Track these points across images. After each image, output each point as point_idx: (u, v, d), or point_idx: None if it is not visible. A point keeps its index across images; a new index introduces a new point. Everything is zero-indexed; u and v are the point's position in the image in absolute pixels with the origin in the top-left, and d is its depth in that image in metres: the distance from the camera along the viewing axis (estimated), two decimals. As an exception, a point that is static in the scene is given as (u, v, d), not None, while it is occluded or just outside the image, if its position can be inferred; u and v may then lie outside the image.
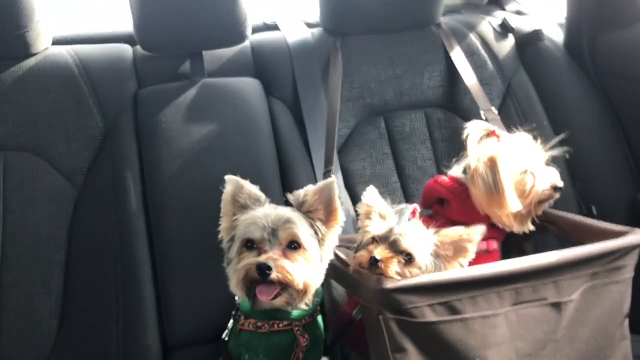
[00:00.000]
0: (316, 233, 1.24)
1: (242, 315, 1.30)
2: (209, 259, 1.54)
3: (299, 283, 1.17)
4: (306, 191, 1.26)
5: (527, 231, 1.46)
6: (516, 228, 1.44)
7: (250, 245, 1.20)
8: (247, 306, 1.27)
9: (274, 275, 1.15)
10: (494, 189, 1.38)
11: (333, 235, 1.27)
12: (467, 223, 1.30)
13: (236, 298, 1.32)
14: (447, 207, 1.47)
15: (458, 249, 1.24)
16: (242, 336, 1.29)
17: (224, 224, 1.27)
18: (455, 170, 1.51)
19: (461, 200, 1.43)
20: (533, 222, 1.47)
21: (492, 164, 1.40)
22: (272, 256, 1.16)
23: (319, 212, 1.25)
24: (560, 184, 1.45)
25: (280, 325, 1.26)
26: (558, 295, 1.20)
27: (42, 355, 1.50)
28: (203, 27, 1.72)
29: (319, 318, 1.34)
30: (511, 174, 1.40)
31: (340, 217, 1.26)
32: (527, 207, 1.43)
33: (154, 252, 1.59)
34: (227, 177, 1.27)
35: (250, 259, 1.17)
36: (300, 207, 1.25)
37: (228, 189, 1.26)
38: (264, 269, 1.14)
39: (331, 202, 1.25)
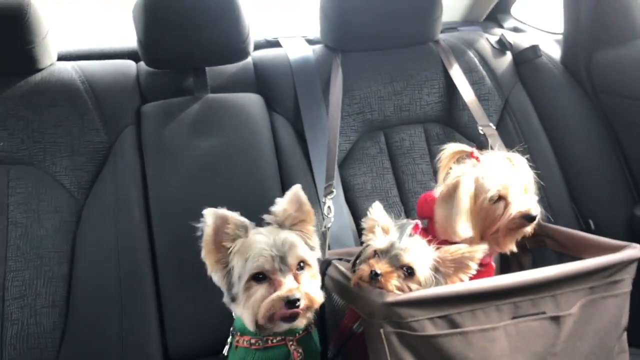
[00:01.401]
0: (306, 244, 1.25)
1: (238, 332, 1.30)
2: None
3: (319, 302, 1.19)
4: (283, 206, 1.26)
5: (514, 250, 1.43)
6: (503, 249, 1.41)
7: (260, 277, 1.17)
8: (241, 324, 1.28)
9: (302, 304, 1.15)
10: (452, 212, 1.36)
11: (316, 238, 1.29)
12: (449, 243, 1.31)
13: (233, 314, 1.33)
14: (431, 224, 1.46)
15: (459, 266, 1.25)
16: (238, 352, 1.29)
17: (210, 260, 1.22)
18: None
19: None
20: (533, 236, 1.46)
21: (454, 188, 1.37)
22: (293, 287, 1.15)
23: (305, 223, 1.27)
24: (535, 213, 1.35)
25: (274, 340, 1.26)
26: (557, 309, 1.21)
27: None
28: (206, 43, 1.75)
29: (314, 332, 1.35)
30: (475, 199, 1.35)
31: (314, 218, 1.28)
32: (494, 234, 1.38)
33: (156, 266, 1.60)
34: (207, 211, 1.20)
35: (272, 294, 1.14)
36: (284, 223, 1.25)
37: (210, 223, 1.20)
38: (293, 302, 1.13)
39: (303, 205, 1.27)
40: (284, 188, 1.71)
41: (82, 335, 1.54)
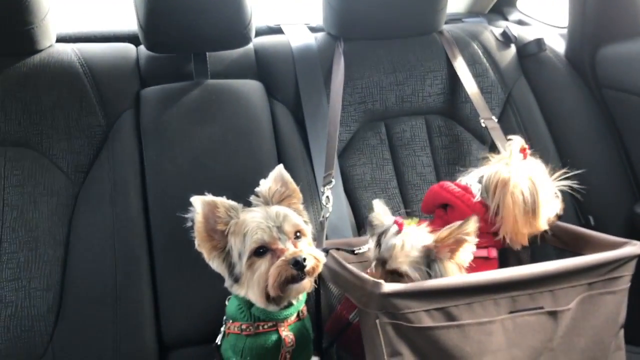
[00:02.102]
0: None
1: (230, 319, 1.30)
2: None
3: (324, 261, 1.23)
4: (269, 185, 1.30)
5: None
6: (519, 245, 1.45)
7: (261, 251, 1.19)
8: (232, 310, 1.28)
9: (309, 265, 1.17)
10: (531, 208, 1.39)
11: (306, 214, 1.32)
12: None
13: (226, 301, 1.34)
14: (450, 212, 1.46)
15: (458, 244, 1.25)
16: (229, 339, 1.29)
17: (206, 247, 1.23)
18: (468, 179, 1.49)
19: (467, 206, 1.44)
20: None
21: (532, 184, 1.41)
22: (297, 250, 1.18)
23: (291, 198, 1.30)
24: (561, 212, 1.49)
25: (265, 327, 1.26)
26: (555, 304, 1.20)
27: (38, 351, 1.50)
28: (208, 28, 1.73)
29: (306, 319, 1.34)
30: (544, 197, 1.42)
31: (300, 196, 1.32)
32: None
33: (153, 252, 1.59)
34: (194, 199, 1.22)
35: (277, 261, 1.17)
36: (272, 200, 1.28)
37: (199, 211, 1.21)
38: (301, 263, 1.16)
39: (288, 184, 1.31)
40: (282, 176, 1.70)
41: (76, 319, 1.53)
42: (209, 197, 1.22)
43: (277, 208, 1.24)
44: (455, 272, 1.25)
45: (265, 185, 1.30)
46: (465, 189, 1.47)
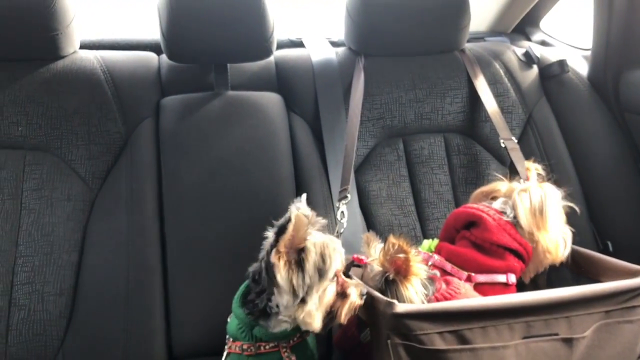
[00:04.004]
0: None
1: (230, 338, 1.28)
2: (220, 270, 1.56)
3: None
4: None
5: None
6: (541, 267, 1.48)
7: (333, 277, 1.19)
8: (233, 329, 1.26)
9: None
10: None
11: None
12: (502, 244, 1.38)
13: (229, 318, 1.32)
14: (476, 230, 1.44)
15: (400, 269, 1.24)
16: (230, 358, 1.27)
17: (283, 261, 1.16)
18: (495, 204, 1.50)
19: (494, 219, 1.43)
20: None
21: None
22: (359, 282, 1.23)
23: None
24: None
25: (267, 347, 1.23)
26: (570, 332, 1.18)
27: (48, 355, 1.50)
28: (230, 40, 1.74)
29: (310, 338, 1.32)
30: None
31: None
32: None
33: (166, 261, 1.59)
34: (292, 209, 1.17)
35: (349, 289, 1.21)
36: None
37: (293, 223, 1.14)
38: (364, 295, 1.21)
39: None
40: (298, 189, 1.70)
41: (87, 324, 1.53)
42: (306, 211, 1.19)
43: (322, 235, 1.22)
44: (413, 296, 1.23)
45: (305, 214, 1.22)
46: (493, 208, 1.47)
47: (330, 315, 1.20)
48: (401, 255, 1.22)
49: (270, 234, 1.19)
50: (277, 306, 1.18)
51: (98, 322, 1.53)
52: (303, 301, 1.16)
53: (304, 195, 1.20)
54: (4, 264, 1.55)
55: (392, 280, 1.23)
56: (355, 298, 1.21)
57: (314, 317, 1.17)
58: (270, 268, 1.16)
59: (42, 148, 1.65)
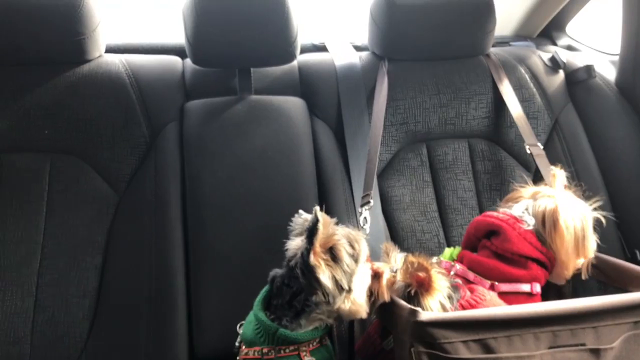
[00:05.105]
0: None
1: (244, 344, 1.28)
2: (243, 274, 1.56)
3: None
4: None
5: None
6: (563, 280, 1.45)
7: None
8: (250, 334, 1.27)
9: None
10: (581, 238, 1.40)
11: None
12: (523, 254, 1.37)
13: (238, 328, 1.32)
14: (496, 240, 1.43)
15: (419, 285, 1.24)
16: None
17: (322, 257, 1.19)
18: (514, 210, 1.47)
19: (517, 233, 1.41)
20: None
21: (581, 214, 1.42)
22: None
23: None
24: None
25: (287, 350, 1.24)
26: (597, 342, 1.16)
27: (72, 356, 1.52)
28: (254, 44, 1.74)
29: (329, 346, 1.32)
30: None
31: None
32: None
33: (189, 264, 1.59)
34: (316, 209, 1.18)
35: (382, 267, 1.29)
36: None
37: (322, 221, 1.18)
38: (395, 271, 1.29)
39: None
40: (320, 194, 1.70)
41: (110, 327, 1.55)
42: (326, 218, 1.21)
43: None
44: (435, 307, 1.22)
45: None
46: (513, 217, 1.44)
47: (372, 299, 1.25)
48: (421, 274, 1.21)
49: (294, 241, 1.23)
50: (317, 304, 1.22)
51: (121, 325, 1.54)
52: (348, 291, 1.20)
53: (317, 208, 1.20)
54: (29, 265, 1.57)
55: (414, 293, 1.22)
56: (388, 274, 1.27)
57: (360, 303, 1.23)
58: (309, 271, 1.18)
59: (67, 151, 1.67)
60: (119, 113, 1.71)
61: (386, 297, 1.23)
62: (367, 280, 1.25)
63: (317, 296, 1.20)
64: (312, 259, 1.17)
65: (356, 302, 1.22)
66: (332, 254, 1.19)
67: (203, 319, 1.56)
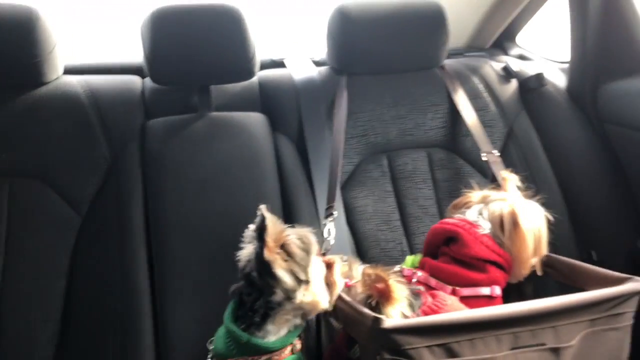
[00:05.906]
0: None
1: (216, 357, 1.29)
2: (210, 291, 1.55)
3: None
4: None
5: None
6: (521, 277, 1.49)
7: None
8: (222, 347, 1.27)
9: None
10: (538, 238, 1.45)
11: None
12: (481, 257, 1.39)
13: (208, 345, 1.33)
14: (454, 246, 1.46)
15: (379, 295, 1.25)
16: None
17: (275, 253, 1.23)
18: (468, 215, 1.51)
19: (470, 234, 1.44)
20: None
21: (538, 218, 1.47)
22: None
23: None
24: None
25: None
26: (557, 341, 1.19)
27: None
28: (212, 62, 1.76)
29: (298, 354, 1.32)
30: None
31: None
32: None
33: (155, 284, 1.58)
34: (262, 208, 1.23)
35: (330, 257, 1.35)
36: None
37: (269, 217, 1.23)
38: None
39: None
40: (284, 208, 1.71)
41: (76, 350, 1.53)
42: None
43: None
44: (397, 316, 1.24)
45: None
46: (466, 221, 1.48)
47: (330, 289, 1.28)
48: (379, 285, 1.23)
49: (245, 250, 1.27)
50: (279, 304, 1.23)
51: (87, 348, 1.52)
52: (307, 282, 1.22)
53: (262, 207, 1.24)
54: None
55: (376, 304, 1.23)
56: (339, 262, 1.31)
57: (319, 294, 1.25)
58: (265, 269, 1.20)
59: (26, 174, 1.65)
60: (79, 134, 1.69)
61: (339, 285, 1.29)
62: (322, 270, 1.27)
63: (277, 295, 1.21)
64: (267, 254, 1.19)
65: (315, 294, 1.24)
66: (285, 250, 1.22)
67: (171, 338, 1.55)
